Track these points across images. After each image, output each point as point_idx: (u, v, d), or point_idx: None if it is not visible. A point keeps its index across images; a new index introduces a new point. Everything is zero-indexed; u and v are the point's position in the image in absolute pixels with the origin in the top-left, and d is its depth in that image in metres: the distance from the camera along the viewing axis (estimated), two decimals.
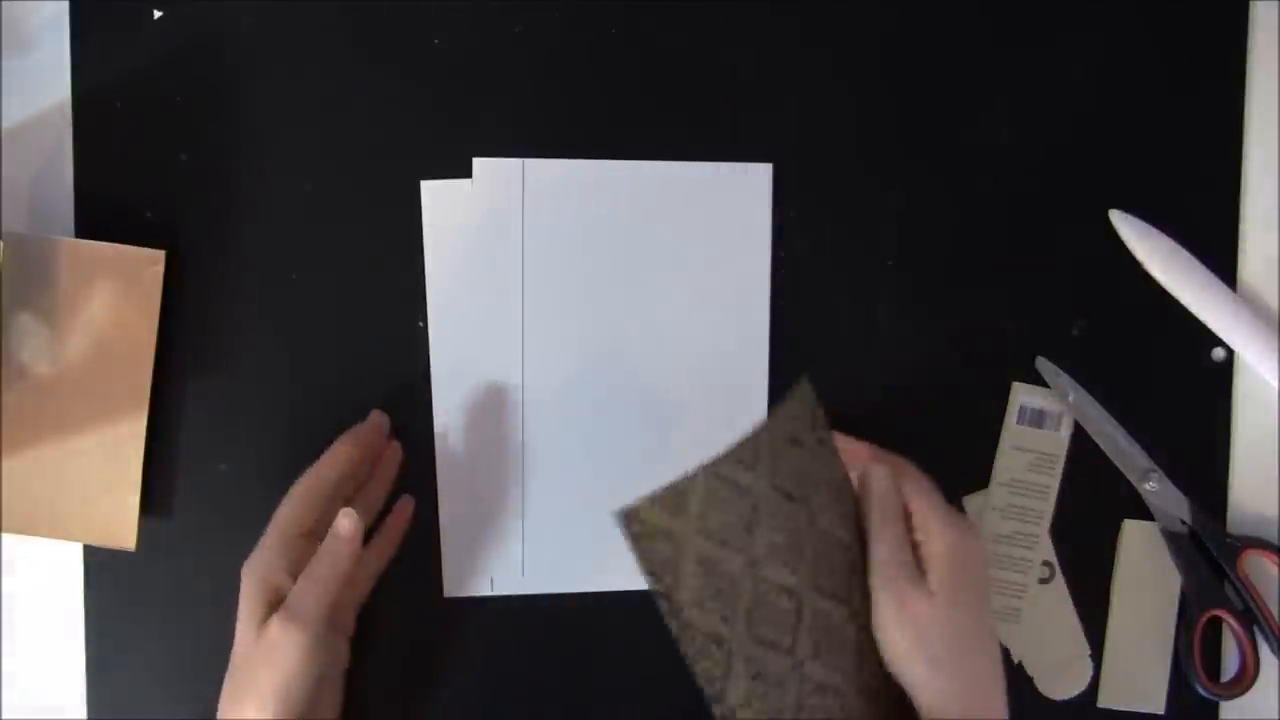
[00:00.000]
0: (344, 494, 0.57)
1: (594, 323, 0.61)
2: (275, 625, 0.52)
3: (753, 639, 0.52)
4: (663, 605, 0.50)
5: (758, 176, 0.61)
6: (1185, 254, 0.62)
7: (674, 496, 0.50)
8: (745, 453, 0.52)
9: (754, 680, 0.52)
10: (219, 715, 0.54)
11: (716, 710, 0.51)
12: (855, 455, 0.57)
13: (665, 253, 0.61)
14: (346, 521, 0.54)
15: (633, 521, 0.50)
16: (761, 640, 0.52)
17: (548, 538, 0.61)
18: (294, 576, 0.53)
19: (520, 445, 0.61)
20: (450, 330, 0.61)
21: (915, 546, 0.55)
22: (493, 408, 0.61)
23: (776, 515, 0.53)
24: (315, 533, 0.55)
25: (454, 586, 0.61)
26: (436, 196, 0.61)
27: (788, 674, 0.52)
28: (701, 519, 0.51)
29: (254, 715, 0.52)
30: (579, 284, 0.61)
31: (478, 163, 0.61)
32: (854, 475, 0.56)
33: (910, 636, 0.53)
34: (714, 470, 0.51)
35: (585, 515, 0.61)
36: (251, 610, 0.53)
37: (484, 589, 0.61)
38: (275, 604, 0.53)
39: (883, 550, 0.54)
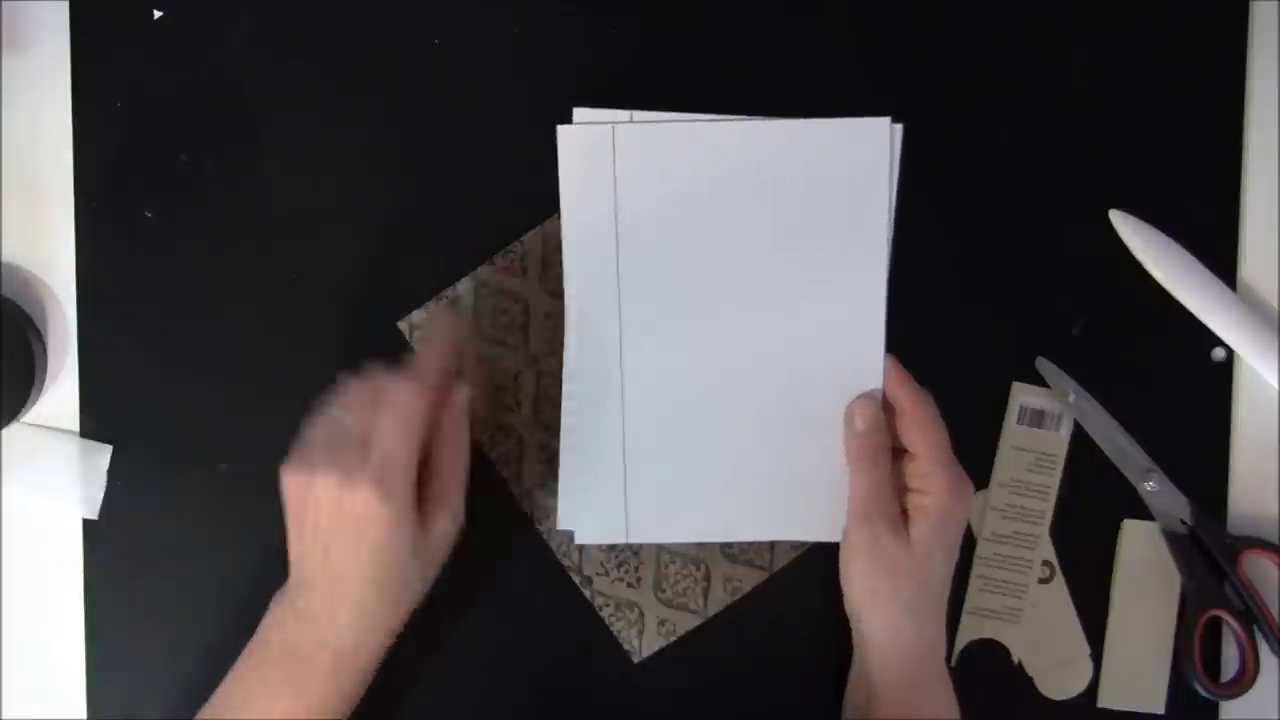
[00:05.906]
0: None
1: (693, 292, 0.59)
2: (363, 492, 0.49)
3: (540, 426, 0.60)
4: None
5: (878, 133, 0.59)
6: (1185, 254, 0.62)
7: (446, 305, 0.59)
8: (510, 261, 0.60)
9: (548, 464, 0.60)
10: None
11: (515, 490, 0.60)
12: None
13: (771, 217, 0.59)
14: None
15: (414, 330, 0.60)
16: (548, 427, 0.60)
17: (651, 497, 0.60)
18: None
19: (621, 416, 0.60)
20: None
21: (904, 490, 0.57)
22: (599, 387, 0.60)
23: (553, 315, 0.59)
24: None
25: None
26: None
27: None
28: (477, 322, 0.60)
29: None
30: (676, 255, 0.59)
31: (563, 129, 0.59)
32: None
33: (882, 577, 0.55)
34: (479, 278, 0.60)
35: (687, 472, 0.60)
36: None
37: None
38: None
39: (860, 487, 0.56)
